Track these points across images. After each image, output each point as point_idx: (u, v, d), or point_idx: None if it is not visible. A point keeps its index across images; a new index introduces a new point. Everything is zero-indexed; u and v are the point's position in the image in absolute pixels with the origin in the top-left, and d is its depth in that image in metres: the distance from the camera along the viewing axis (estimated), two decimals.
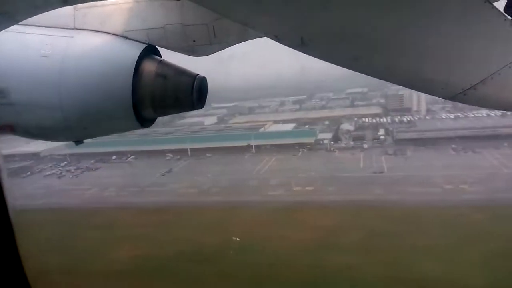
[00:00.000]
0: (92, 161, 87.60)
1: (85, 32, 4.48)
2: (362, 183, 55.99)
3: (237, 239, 39.81)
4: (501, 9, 3.02)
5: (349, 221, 43.43)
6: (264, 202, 51.81)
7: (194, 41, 4.55)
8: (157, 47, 4.65)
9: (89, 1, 4.26)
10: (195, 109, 4.69)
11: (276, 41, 3.00)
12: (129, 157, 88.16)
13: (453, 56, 2.92)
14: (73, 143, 4.98)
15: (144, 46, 4.44)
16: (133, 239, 43.84)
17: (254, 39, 4.79)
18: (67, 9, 4.42)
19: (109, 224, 48.74)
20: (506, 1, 3.29)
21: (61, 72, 4.11)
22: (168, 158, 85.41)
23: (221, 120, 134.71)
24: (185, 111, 4.87)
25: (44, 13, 3.77)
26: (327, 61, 3.20)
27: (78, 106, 4.23)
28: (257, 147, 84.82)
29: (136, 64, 4.26)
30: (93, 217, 52.04)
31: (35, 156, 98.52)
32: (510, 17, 2.81)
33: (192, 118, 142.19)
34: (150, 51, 4.53)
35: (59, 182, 75.48)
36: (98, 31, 4.50)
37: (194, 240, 42.09)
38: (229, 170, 70.48)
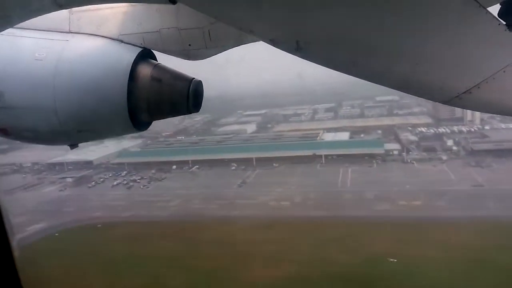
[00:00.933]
0: (153, 171, 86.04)
1: (80, 35, 4.44)
2: (469, 197, 54.47)
3: (394, 260, 38.03)
4: (495, 14, 3.04)
5: (491, 239, 41.78)
6: (377, 217, 50.04)
7: (189, 45, 4.54)
8: (152, 51, 4.62)
9: (85, 5, 4.28)
10: (190, 113, 4.59)
11: (272, 46, 2.95)
12: (192, 167, 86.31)
13: (449, 61, 2.94)
14: (69, 147, 4.92)
15: (139, 50, 4.41)
16: (263, 257, 42.08)
17: (251, 43, 4.75)
18: (62, 13, 4.35)
19: (221, 239, 46.87)
20: (500, 6, 3.28)
21: (55, 76, 4.07)
22: (233, 168, 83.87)
23: (262, 128, 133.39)
24: (181, 115, 4.82)
25: (39, 17, 3.74)
26: (324, 65, 3.16)
27: (73, 110, 4.18)
28: (321, 157, 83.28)
29: (131, 68, 4.22)
30: (197, 232, 50.20)
31: (87, 164, 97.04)
32: (504, 22, 2.84)
33: (230, 126, 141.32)
34: (145, 55, 4.48)
35: (132, 193, 73.39)
36: (94, 35, 4.45)
37: (333, 258, 40.28)
38: (310, 181, 68.82)
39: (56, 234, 53.60)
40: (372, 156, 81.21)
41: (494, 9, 3.14)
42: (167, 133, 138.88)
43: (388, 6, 2.68)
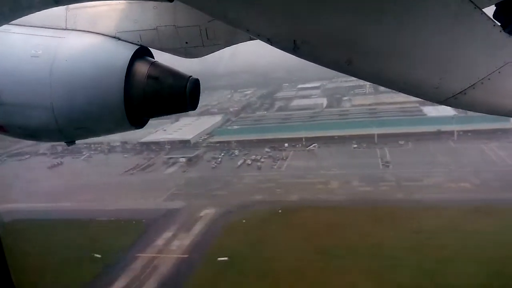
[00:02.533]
0: (267, 149, 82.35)
1: (77, 32, 4.41)
2: None
3: None
4: (491, 15, 3.04)
5: None
6: None
7: (186, 42, 4.56)
8: (149, 48, 4.60)
9: (81, 2, 4.34)
10: (187, 111, 4.54)
11: (269, 44, 2.95)
12: (309, 145, 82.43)
13: (444, 61, 2.94)
14: (65, 143, 4.88)
15: (136, 47, 4.40)
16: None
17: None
18: (59, 10, 4.37)
19: (451, 227, 43.34)
20: (495, 7, 3.24)
21: (52, 73, 4.05)
22: (355, 146, 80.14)
23: (335, 101, 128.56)
24: (178, 113, 4.69)
25: (35, 13, 3.74)
26: (320, 64, 3.12)
27: (69, 107, 4.16)
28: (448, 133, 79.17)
29: (128, 66, 4.20)
30: (409, 218, 46.87)
31: (183, 143, 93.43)
32: (499, 23, 2.88)
33: (297, 100, 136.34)
34: (142, 53, 4.47)
35: (268, 174, 69.70)
36: (90, 32, 4.41)
37: None
38: (465, 160, 65.16)
39: (244, 221, 50.45)
40: (504, 132, 77.20)
41: (490, 10, 3.11)
42: (235, 108, 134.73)
43: (384, 6, 2.68)
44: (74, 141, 4.83)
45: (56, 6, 3.67)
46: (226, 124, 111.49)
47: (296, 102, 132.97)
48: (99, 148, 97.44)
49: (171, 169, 77.82)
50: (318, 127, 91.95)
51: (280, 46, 2.98)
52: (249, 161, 76.51)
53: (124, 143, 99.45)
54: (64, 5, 4.37)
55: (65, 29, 4.43)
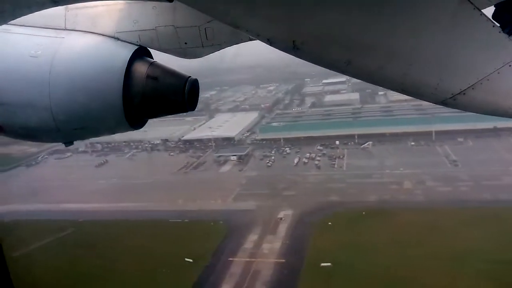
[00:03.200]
0: (318, 147, 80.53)
1: (76, 32, 4.41)
2: None
3: None
4: (490, 15, 3.06)
5: None
6: None
7: (186, 43, 4.54)
8: (148, 49, 4.60)
9: (80, 2, 4.28)
10: (187, 111, 4.49)
11: (269, 45, 2.96)
12: (364, 143, 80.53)
13: (443, 62, 2.96)
14: (63, 143, 4.85)
15: (135, 47, 4.39)
16: None
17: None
18: (58, 10, 4.36)
19: None
20: (494, 8, 3.28)
21: (51, 73, 4.05)
22: (412, 143, 78.16)
23: (368, 96, 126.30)
24: (177, 113, 4.59)
25: (35, 13, 3.72)
26: (319, 65, 3.15)
27: (68, 107, 4.15)
28: (497, 129, 76.99)
29: (127, 66, 4.20)
30: (501, 220, 45.09)
31: (228, 140, 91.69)
32: (498, 24, 2.89)
33: (328, 96, 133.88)
34: (141, 53, 4.46)
35: (329, 173, 67.85)
36: (89, 32, 4.41)
37: None
38: None
39: (330, 224, 48.81)
40: None
41: (489, 11, 3.12)
42: (266, 105, 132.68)
43: (384, 6, 2.69)
44: (73, 141, 4.78)
45: (55, 6, 3.63)
46: (263, 121, 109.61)
47: (328, 98, 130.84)
48: (140, 146, 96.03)
49: (225, 168, 76.22)
50: (365, 123, 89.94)
51: (279, 46, 2.98)
52: (305, 160, 74.71)
53: (165, 140, 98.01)
54: (63, 5, 4.36)
55: (64, 29, 4.42)
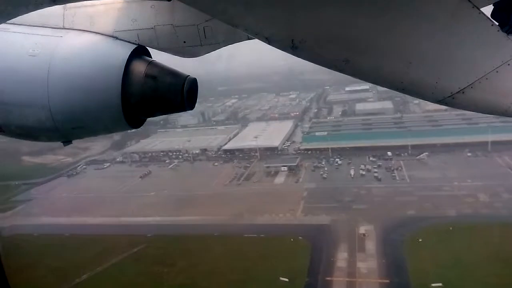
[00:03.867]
0: (371, 158, 78.52)
1: (75, 31, 4.42)
2: None
3: None
4: (488, 14, 3.05)
5: None
6: None
7: (184, 42, 4.57)
8: (147, 47, 4.60)
9: (79, 1, 4.30)
10: (185, 111, 4.52)
11: (267, 44, 2.96)
12: (419, 154, 78.49)
13: (442, 60, 2.97)
14: (62, 143, 4.79)
15: (134, 46, 4.39)
16: None
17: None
18: (56, 9, 4.39)
19: None
20: (493, 6, 3.28)
21: (49, 72, 4.06)
22: (469, 154, 76.18)
23: (401, 105, 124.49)
24: (175, 113, 4.61)
25: (33, 12, 3.73)
26: (318, 64, 3.15)
27: (67, 107, 4.16)
28: None
29: (125, 65, 4.20)
30: None
31: (271, 151, 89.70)
32: (497, 22, 2.90)
33: (361, 104, 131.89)
34: (140, 52, 4.47)
35: (392, 185, 65.67)
36: (88, 31, 4.42)
37: None
38: None
39: (420, 240, 46.60)
40: None
41: (488, 10, 3.11)
42: (295, 113, 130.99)
43: (382, 5, 2.70)
44: (71, 141, 4.76)
45: (53, 5, 3.62)
46: (298, 130, 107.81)
47: (360, 106, 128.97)
48: (180, 156, 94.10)
49: (279, 179, 74.13)
50: (412, 134, 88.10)
51: (278, 45, 2.97)
52: (361, 171, 72.67)
53: (204, 150, 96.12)
54: (61, 4, 4.36)
55: (62, 28, 4.43)
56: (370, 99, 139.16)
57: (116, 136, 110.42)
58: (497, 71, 2.92)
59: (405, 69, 3.00)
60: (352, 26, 2.83)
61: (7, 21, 4.10)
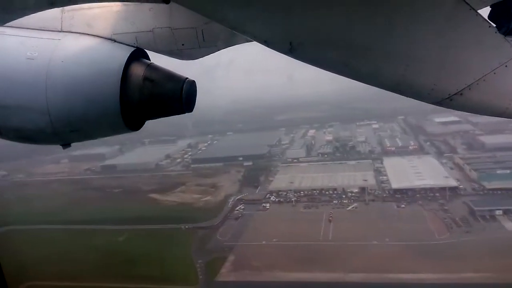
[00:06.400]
0: None
1: (73, 34, 4.43)
2: None
3: None
4: (486, 16, 3.04)
5: None
6: None
7: (183, 44, 4.57)
8: (145, 50, 4.62)
9: (77, 3, 4.32)
10: (184, 113, 4.57)
11: (266, 46, 2.96)
12: None
13: (440, 62, 2.96)
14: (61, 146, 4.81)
15: (132, 49, 4.41)
16: None
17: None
18: (54, 12, 4.38)
19: None
20: (490, 8, 3.29)
21: (47, 75, 4.07)
22: None
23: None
24: (174, 115, 4.65)
25: (31, 15, 3.78)
26: (316, 66, 3.15)
27: (65, 110, 4.18)
28: None
29: (124, 68, 4.22)
30: None
31: (449, 190, 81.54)
32: (494, 24, 2.93)
33: (495, 136, 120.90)
34: (138, 55, 4.50)
35: None
36: (86, 34, 4.43)
37: None
38: None
39: None
40: None
41: (485, 12, 3.05)
42: (414, 146, 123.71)
43: (380, 8, 2.70)
44: (70, 144, 4.72)
45: (51, 8, 3.60)
46: (445, 166, 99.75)
47: (489, 140, 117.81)
48: (344, 196, 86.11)
49: (508, 224, 65.82)
50: None
51: (276, 48, 2.97)
52: None
53: (362, 188, 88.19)
54: (59, 7, 4.33)
55: (60, 31, 4.41)
56: (478, 132, 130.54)
57: (239, 176, 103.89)
58: (494, 73, 2.91)
59: (403, 71, 2.99)
60: (350, 29, 2.80)
61: (5, 24, 4.08)
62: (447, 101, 3.07)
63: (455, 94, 3.01)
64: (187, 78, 4.38)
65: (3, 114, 4.15)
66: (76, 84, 4.05)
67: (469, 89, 2.97)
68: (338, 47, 2.96)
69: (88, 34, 4.35)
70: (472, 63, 2.98)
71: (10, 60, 4.13)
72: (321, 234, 68.10)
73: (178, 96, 4.24)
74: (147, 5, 4.33)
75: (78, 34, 4.35)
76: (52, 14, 4.28)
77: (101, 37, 4.35)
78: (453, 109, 3.30)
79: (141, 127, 4.74)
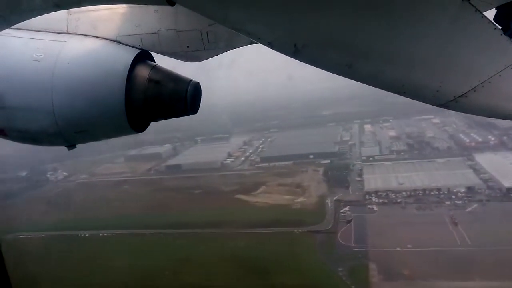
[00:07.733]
0: None
1: (78, 36, 4.51)
2: None
3: None
4: (491, 18, 3.02)
5: None
6: None
7: (188, 46, 4.71)
8: (150, 52, 4.72)
9: (82, 6, 4.30)
10: (188, 115, 4.61)
11: (270, 48, 2.93)
12: None
13: (445, 64, 2.93)
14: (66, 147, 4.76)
15: (137, 51, 4.54)
16: None
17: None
18: (60, 14, 4.40)
19: None
20: (496, 10, 3.24)
21: (53, 77, 4.12)
22: None
23: None
24: (179, 117, 4.70)
25: (37, 17, 3.74)
26: (320, 67, 3.13)
27: (71, 111, 4.25)
28: None
29: (129, 69, 4.33)
30: None
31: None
32: (499, 26, 2.93)
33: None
34: (143, 56, 4.63)
35: None
36: (91, 36, 4.52)
37: None
38: None
39: None
40: None
41: (490, 14, 3.04)
42: (494, 141, 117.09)
43: (385, 9, 2.67)
44: (75, 145, 4.76)
45: (57, 10, 3.56)
46: None
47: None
48: (453, 196, 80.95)
49: None
50: None
51: (280, 49, 2.97)
52: None
53: (468, 188, 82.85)
54: (65, 9, 4.31)
55: (66, 33, 4.53)
56: None
57: (318, 175, 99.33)
58: (500, 75, 2.87)
59: (407, 73, 2.98)
60: (354, 30, 2.78)
61: (12, 26, 4.04)
62: (452, 103, 3.04)
63: (460, 96, 2.97)
64: (192, 79, 4.58)
65: (9, 115, 4.27)
66: (82, 85, 4.23)
67: (474, 91, 2.92)
68: (343, 49, 2.94)
69: (94, 36, 4.55)
70: (477, 65, 2.93)
71: (16, 62, 4.33)
72: (456, 238, 63.16)
73: (183, 98, 4.46)
74: (152, 7, 4.50)
75: (83, 36, 4.57)
76: (58, 16, 4.47)
77: (106, 39, 4.55)
78: (459, 111, 3.23)
79: (146, 129, 4.93)
